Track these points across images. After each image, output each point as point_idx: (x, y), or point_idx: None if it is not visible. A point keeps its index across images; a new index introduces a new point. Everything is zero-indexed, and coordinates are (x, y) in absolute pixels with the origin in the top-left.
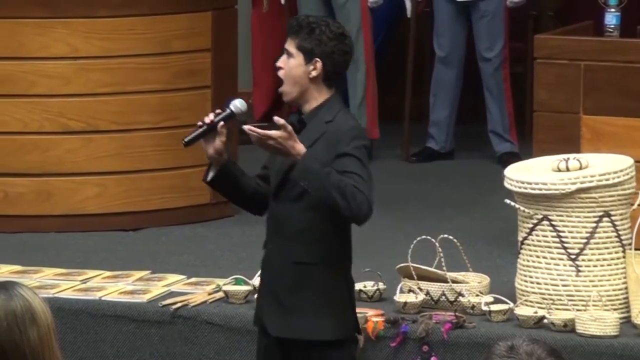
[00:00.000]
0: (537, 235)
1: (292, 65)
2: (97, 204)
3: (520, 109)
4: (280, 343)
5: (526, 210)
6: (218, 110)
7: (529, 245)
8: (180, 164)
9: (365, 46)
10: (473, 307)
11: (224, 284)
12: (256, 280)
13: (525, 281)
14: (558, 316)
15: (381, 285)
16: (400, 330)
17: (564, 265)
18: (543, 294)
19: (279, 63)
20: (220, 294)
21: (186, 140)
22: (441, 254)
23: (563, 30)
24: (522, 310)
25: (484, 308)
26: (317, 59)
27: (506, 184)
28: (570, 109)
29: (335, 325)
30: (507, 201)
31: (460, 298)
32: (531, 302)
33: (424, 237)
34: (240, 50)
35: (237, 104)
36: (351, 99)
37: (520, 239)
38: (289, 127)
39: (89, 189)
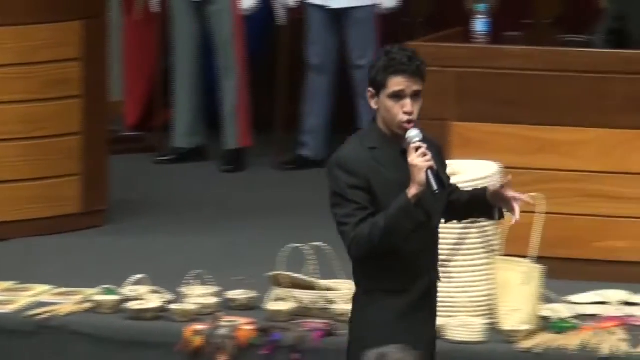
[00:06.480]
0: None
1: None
2: None
3: None
4: None
5: None
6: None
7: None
8: (48, 174)
9: (238, 54)
10: (344, 314)
11: (93, 294)
12: (126, 290)
13: None
14: None
15: (252, 294)
16: (271, 339)
17: None
18: None
19: (411, 109)
20: (89, 304)
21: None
22: (312, 262)
23: (434, 37)
24: None
25: None
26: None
27: None
28: (441, 115)
29: None
30: None
31: (332, 305)
32: None
33: (295, 244)
34: (112, 59)
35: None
36: (223, 107)
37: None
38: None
39: None
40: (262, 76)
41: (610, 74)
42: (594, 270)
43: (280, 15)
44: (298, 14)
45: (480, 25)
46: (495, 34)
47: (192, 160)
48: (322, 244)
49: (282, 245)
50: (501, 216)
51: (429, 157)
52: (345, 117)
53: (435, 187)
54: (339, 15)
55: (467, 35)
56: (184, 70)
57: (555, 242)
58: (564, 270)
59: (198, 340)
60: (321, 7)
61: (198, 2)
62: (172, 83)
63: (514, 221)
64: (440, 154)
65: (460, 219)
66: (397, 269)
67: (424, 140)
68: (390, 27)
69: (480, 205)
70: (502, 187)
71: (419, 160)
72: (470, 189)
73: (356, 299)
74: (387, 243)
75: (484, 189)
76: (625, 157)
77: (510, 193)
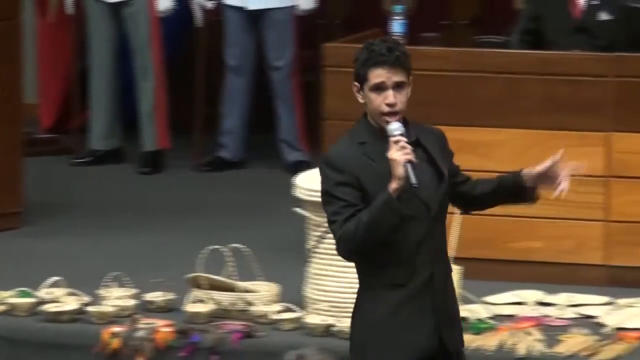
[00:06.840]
0: (326, 244)
1: (406, 96)
2: None
3: (315, 117)
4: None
5: (315, 218)
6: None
7: (318, 253)
8: None
9: (155, 55)
10: (263, 316)
11: (8, 296)
12: (42, 292)
13: (315, 289)
14: (346, 324)
15: (170, 296)
16: (190, 340)
17: (353, 273)
18: (332, 302)
19: (394, 100)
20: (4, 307)
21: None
22: (231, 264)
23: (351, 38)
24: (312, 319)
25: (274, 317)
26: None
27: (297, 193)
28: (358, 117)
29: None
30: (296, 209)
31: (251, 307)
32: (321, 310)
33: (214, 246)
34: (27, 61)
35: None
36: (140, 109)
37: (309, 247)
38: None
39: None
40: (180, 78)
41: (525, 75)
42: (510, 270)
43: (198, 17)
44: (216, 16)
45: (397, 26)
46: (412, 35)
47: (109, 162)
48: (241, 246)
49: (200, 247)
50: (536, 198)
51: (407, 150)
52: (263, 118)
53: (414, 180)
54: (256, 17)
55: (384, 37)
56: (101, 72)
57: (472, 242)
58: (481, 271)
59: (116, 343)
60: (239, 9)
61: (113, 4)
62: (88, 85)
63: (557, 192)
64: (441, 143)
65: (483, 208)
66: (396, 262)
67: (417, 131)
68: (308, 28)
69: (512, 190)
70: (553, 164)
71: (398, 154)
72: (495, 177)
73: (358, 296)
74: (373, 238)
75: (516, 174)
76: (540, 158)
77: (560, 166)
